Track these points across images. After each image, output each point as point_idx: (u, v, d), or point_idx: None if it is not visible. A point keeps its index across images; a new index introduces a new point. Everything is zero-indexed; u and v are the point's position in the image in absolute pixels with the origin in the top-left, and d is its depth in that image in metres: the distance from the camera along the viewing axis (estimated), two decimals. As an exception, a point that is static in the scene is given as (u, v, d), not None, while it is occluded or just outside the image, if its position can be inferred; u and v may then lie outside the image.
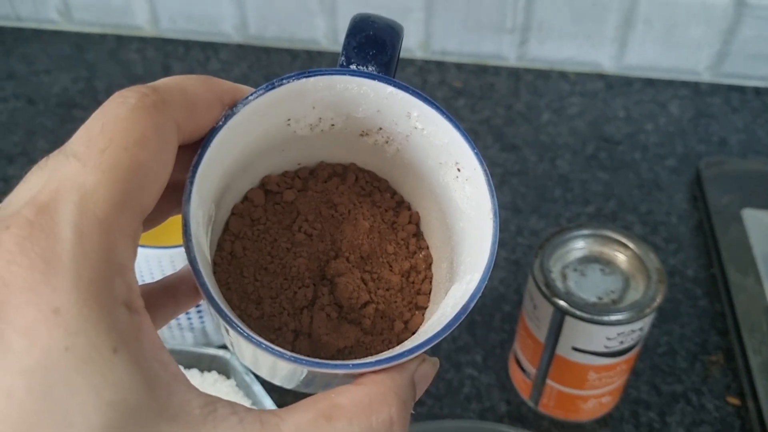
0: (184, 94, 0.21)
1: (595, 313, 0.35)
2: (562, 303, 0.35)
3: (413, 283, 0.25)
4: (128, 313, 0.17)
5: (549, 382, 0.39)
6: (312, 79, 0.24)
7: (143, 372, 0.16)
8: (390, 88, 0.25)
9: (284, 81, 0.24)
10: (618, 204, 0.55)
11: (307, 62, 0.67)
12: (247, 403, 0.36)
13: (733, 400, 0.44)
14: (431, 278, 0.26)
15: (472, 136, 0.61)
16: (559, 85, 0.65)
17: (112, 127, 0.19)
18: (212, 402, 0.17)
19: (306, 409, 0.18)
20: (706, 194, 0.54)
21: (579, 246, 0.38)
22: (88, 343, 0.15)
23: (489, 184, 0.23)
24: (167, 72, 0.66)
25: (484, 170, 0.23)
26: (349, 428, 0.18)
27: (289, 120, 0.25)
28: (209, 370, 0.37)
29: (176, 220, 0.22)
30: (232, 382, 0.37)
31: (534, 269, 0.37)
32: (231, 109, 0.22)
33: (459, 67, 0.66)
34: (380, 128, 0.26)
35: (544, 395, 0.40)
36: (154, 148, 0.19)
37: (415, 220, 0.27)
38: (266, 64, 0.67)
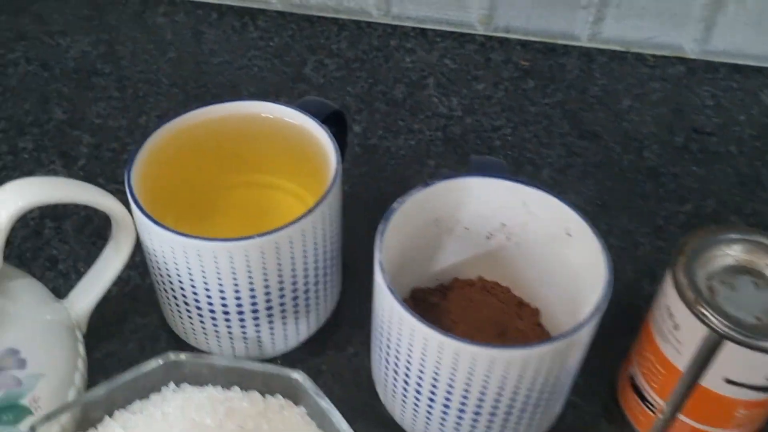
0: None
1: (760, 337, 0.28)
2: (719, 324, 0.29)
3: None
4: None
5: (682, 417, 0.32)
6: (453, 180, 0.34)
7: None
8: (508, 183, 0.34)
9: (435, 182, 0.34)
10: (718, 203, 0.48)
11: (356, 34, 0.60)
12: (319, 436, 0.29)
13: None
14: None
15: (546, 122, 0.54)
16: (636, 68, 0.58)
17: None
18: None
19: None
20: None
21: (726, 253, 0.31)
22: None
23: (595, 232, 0.32)
24: (198, 40, 0.59)
25: (590, 225, 0.32)
26: None
27: (436, 220, 0.35)
28: (272, 393, 0.31)
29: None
30: (302, 409, 0.30)
31: (678, 280, 0.30)
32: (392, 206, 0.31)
33: (524, 45, 0.60)
34: (503, 224, 0.36)
35: None
36: None
37: (536, 314, 0.37)
38: (309, 35, 0.60)
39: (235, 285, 0.33)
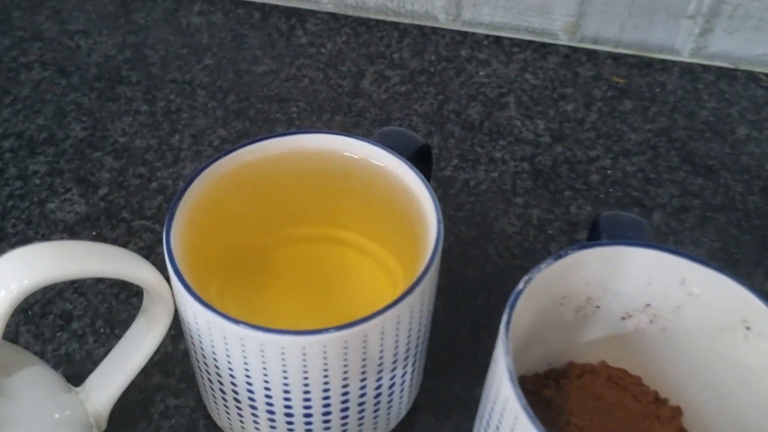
0: None
1: None
2: None
3: None
4: None
5: None
6: (590, 250, 0.26)
7: None
8: (664, 255, 0.26)
9: (568, 252, 0.26)
10: None
11: (420, 42, 0.52)
12: None
13: None
14: None
15: (651, 152, 0.46)
16: (748, 88, 0.50)
17: None
18: None
19: None
20: None
21: None
22: None
23: None
24: (239, 44, 0.51)
25: None
26: None
27: (563, 298, 0.27)
28: None
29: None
30: None
31: None
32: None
33: (616, 58, 0.51)
34: (647, 305, 0.28)
35: None
36: None
37: (678, 414, 0.29)
38: (367, 41, 0.52)
39: (305, 384, 0.25)
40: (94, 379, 0.28)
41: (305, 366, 0.24)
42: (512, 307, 0.24)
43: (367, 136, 0.30)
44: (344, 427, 0.27)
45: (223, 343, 0.24)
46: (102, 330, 0.34)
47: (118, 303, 0.35)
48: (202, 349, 0.26)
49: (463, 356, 0.34)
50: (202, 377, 0.28)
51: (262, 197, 0.30)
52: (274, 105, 0.46)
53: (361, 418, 0.27)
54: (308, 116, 0.46)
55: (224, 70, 0.49)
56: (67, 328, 0.34)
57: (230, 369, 0.25)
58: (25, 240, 0.38)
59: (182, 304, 0.25)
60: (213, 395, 0.28)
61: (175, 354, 0.33)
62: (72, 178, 0.41)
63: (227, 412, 0.28)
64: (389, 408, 0.29)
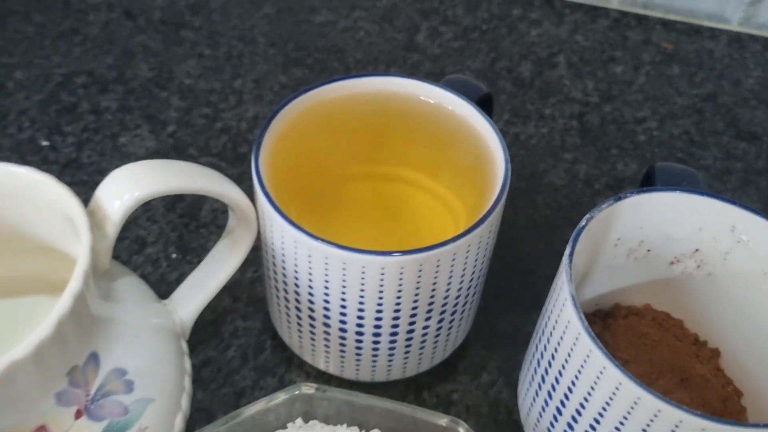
0: None
1: None
2: None
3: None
4: None
5: None
6: (648, 195, 0.28)
7: None
8: (718, 202, 0.28)
9: (627, 195, 0.27)
10: None
11: (473, -1, 0.53)
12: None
13: None
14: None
15: (696, 116, 0.47)
16: (794, 60, 0.51)
17: None
18: None
19: None
20: None
21: None
22: None
23: None
24: (298, -6, 0.52)
25: None
26: None
27: (618, 239, 0.29)
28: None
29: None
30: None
31: None
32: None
33: (665, 24, 0.52)
34: (696, 250, 0.29)
35: None
36: None
37: (716, 355, 0.31)
38: None
39: (379, 304, 0.27)
40: (179, 294, 0.30)
41: (381, 286, 0.26)
42: (575, 240, 0.26)
43: (435, 82, 0.32)
44: (407, 350, 0.30)
45: (307, 261, 0.26)
46: (174, 256, 0.37)
47: (188, 232, 0.38)
48: (283, 268, 0.28)
49: (511, 297, 0.36)
50: (278, 296, 0.30)
51: (338, 133, 0.31)
52: (331, 55, 0.48)
53: (422, 343, 0.30)
54: (364, 67, 0.47)
55: (283, 19, 0.50)
56: (142, 252, 0.37)
57: (310, 287, 0.27)
58: (100, 170, 0.40)
59: (269, 224, 0.27)
60: (287, 314, 0.30)
61: (243, 281, 0.36)
62: (141, 115, 0.43)
63: (299, 330, 0.30)
64: (447, 337, 0.31)
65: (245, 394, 0.32)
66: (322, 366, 0.31)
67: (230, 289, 0.35)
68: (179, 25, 0.49)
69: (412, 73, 0.47)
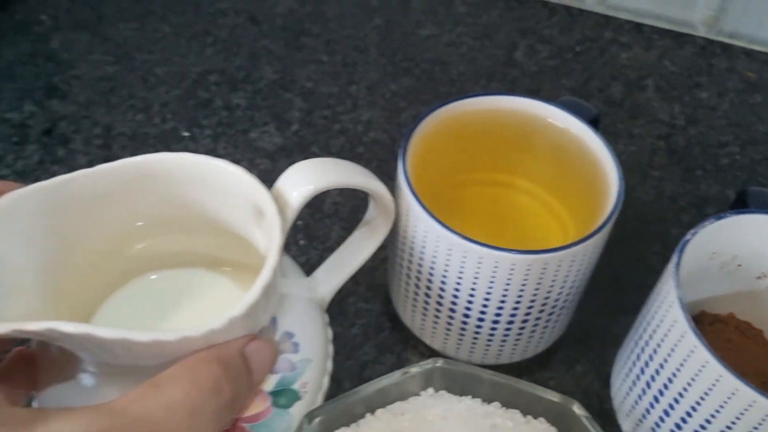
0: None
1: None
2: None
3: None
4: None
5: None
6: (744, 216, 0.31)
7: None
8: None
9: (727, 215, 0.31)
10: None
11: (568, 21, 0.57)
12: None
13: None
14: None
15: (777, 144, 0.50)
16: None
17: None
18: (43, 409, 0.20)
19: (135, 388, 0.21)
20: None
21: None
22: None
23: None
24: (406, 8, 0.57)
25: None
26: (176, 387, 0.20)
27: (714, 253, 0.33)
28: (535, 416, 0.29)
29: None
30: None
31: None
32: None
33: (750, 54, 0.55)
34: None
35: None
36: None
37: None
38: (519, 16, 0.57)
39: (504, 295, 0.31)
40: (320, 273, 0.34)
41: (509, 280, 0.30)
42: (681, 251, 0.30)
43: (552, 103, 0.36)
44: (518, 339, 0.34)
45: (446, 254, 0.30)
46: (301, 242, 0.41)
47: (314, 222, 0.43)
48: (421, 258, 0.32)
49: (602, 300, 0.40)
50: (407, 283, 0.34)
51: (465, 142, 0.36)
52: (436, 66, 0.52)
53: (532, 333, 0.34)
54: (467, 79, 0.52)
55: (392, 31, 0.55)
56: (273, 236, 0.42)
57: (444, 277, 0.32)
58: (234, 162, 0.45)
59: (413, 220, 0.31)
60: (414, 299, 0.34)
61: (363, 268, 0.40)
62: (268, 113, 0.48)
63: (424, 314, 0.34)
64: (551, 330, 0.35)
65: (367, 367, 0.37)
66: (438, 347, 0.36)
67: (352, 276, 0.40)
68: (299, 32, 0.54)
69: (511, 88, 0.51)
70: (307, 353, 0.30)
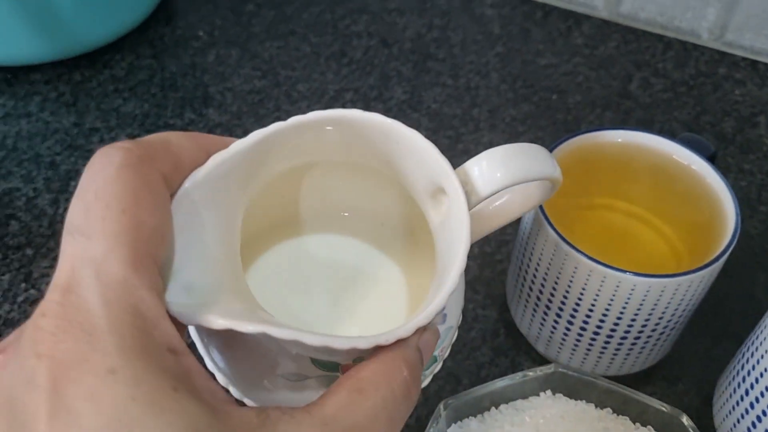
0: (168, 147, 0.22)
1: None
2: None
3: None
4: (174, 357, 0.19)
5: None
6: None
7: (203, 402, 0.18)
8: None
9: None
10: None
11: (682, 55, 0.59)
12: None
13: None
14: None
15: None
16: None
17: (104, 191, 0.19)
18: (264, 410, 0.19)
19: (338, 391, 0.21)
20: None
21: None
22: (150, 389, 0.17)
23: None
24: (525, 38, 0.60)
25: None
26: (377, 394, 0.21)
27: None
28: (644, 424, 0.32)
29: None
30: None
31: None
32: None
33: None
34: None
35: None
36: (148, 203, 0.20)
37: None
38: (634, 49, 0.60)
39: (621, 313, 0.34)
40: None
41: (628, 299, 0.34)
42: None
43: (672, 139, 0.39)
44: (628, 353, 0.37)
45: (571, 272, 0.34)
46: (426, 250, 0.46)
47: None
48: (546, 273, 0.36)
49: (705, 324, 0.43)
50: (529, 295, 0.38)
51: (590, 169, 0.39)
52: (554, 94, 0.56)
53: (642, 349, 0.37)
54: (582, 108, 0.55)
55: (513, 59, 0.59)
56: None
57: (566, 292, 0.35)
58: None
59: (542, 237, 0.35)
60: (534, 310, 0.38)
61: (482, 278, 0.44)
62: (397, 130, 0.53)
63: (541, 324, 0.38)
64: (661, 348, 0.38)
65: (483, 367, 0.41)
66: (552, 355, 0.39)
67: (471, 284, 0.44)
68: (426, 56, 0.59)
69: (624, 118, 0.54)
70: (452, 322, 0.30)
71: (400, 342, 0.22)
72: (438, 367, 0.29)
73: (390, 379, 0.21)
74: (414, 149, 0.26)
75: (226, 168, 0.23)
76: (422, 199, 0.27)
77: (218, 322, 0.20)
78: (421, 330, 0.24)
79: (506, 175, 0.26)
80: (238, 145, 0.24)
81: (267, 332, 0.20)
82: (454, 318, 0.29)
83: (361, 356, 0.24)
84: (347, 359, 0.25)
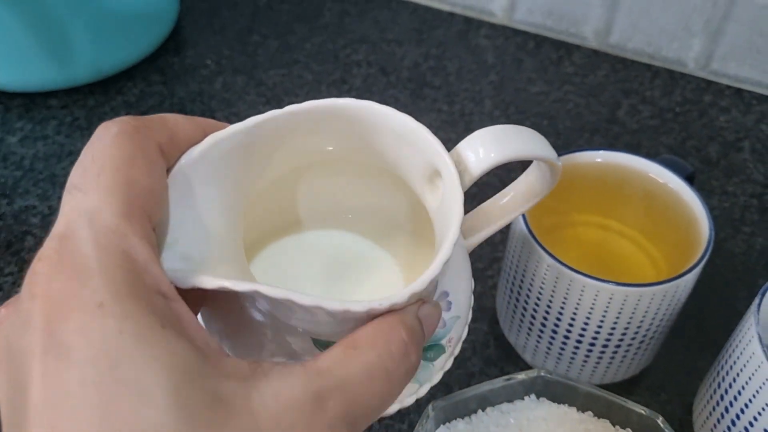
0: (164, 122, 0.23)
1: None
2: None
3: None
4: (164, 300, 0.19)
5: None
6: None
7: (193, 343, 0.19)
8: None
9: None
10: None
11: (669, 83, 0.62)
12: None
13: None
14: None
15: None
16: None
17: (101, 154, 0.21)
18: (256, 361, 0.20)
19: (333, 348, 0.21)
20: None
21: None
22: (138, 324, 0.18)
23: None
24: (518, 67, 0.63)
25: None
26: (372, 351, 0.21)
27: None
28: (623, 426, 0.34)
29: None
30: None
31: None
32: None
33: None
34: None
35: None
36: (142, 164, 0.21)
37: None
38: (623, 77, 0.62)
39: (601, 321, 0.36)
40: (468, 221, 0.33)
41: (607, 308, 0.35)
42: (763, 295, 0.34)
43: (651, 159, 0.41)
44: (610, 361, 0.39)
45: (553, 283, 0.36)
46: (420, 266, 0.48)
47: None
48: (530, 285, 0.38)
49: (688, 336, 0.44)
50: (516, 306, 0.40)
51: (572, 187, 0.41)
52: (545, 120, 0.58)
53: (623, 358, 0.39)
54: (572, 133, 0.57)
55: (506, 87, 0.61)
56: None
57: (549, 302, 0.37)
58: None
59: (528, 251, 0.37)
60: (521, 320, 0.40)
61: (474, 293, 0.46)
62: (394, 153, 0.55)
63: (528, 334, 0.40)
64: (642, 357, 0.40)
65: (474, 376, 0.42)
66: (538, 364, 0.41)
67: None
68: (423, 84, 0.61)
69: (612, 143, 0.57)
70: (458, 310, 0.30)
71: (398, 310, 0.23)
72: (449, 363, 0.29)
73: (387, 339, 0.21)
74: (406, 132, 0.27)
75: (223, 148, 0.24)
76: (420, 186, 0.27)
77: (211, 282, 0.21)
78: (420, 302, 0.24)
79: (498, 152, 0.27)
80: (235, 126, 0.25)
81: (259, 290, 0.20)
82: (462, 309, 0.29)
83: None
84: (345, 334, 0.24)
